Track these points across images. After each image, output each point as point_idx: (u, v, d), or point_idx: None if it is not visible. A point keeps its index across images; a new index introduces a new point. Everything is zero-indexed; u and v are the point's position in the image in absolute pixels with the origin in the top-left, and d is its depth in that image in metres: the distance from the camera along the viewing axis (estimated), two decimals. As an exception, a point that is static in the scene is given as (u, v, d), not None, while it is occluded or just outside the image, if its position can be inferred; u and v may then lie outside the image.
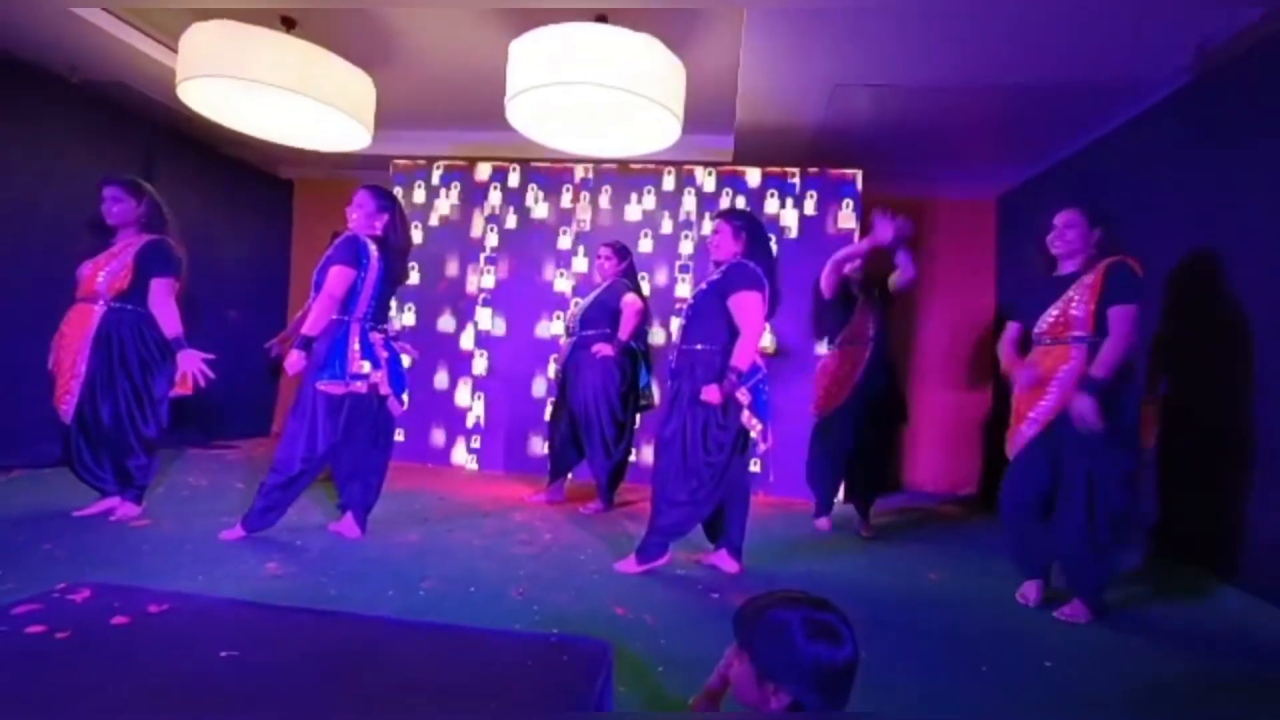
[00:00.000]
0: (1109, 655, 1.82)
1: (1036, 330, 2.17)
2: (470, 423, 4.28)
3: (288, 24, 2.97)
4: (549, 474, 3.40)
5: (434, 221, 4.36)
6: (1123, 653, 1.85)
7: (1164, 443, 2.75)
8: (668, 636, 1.74)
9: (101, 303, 2.48)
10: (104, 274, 2.48)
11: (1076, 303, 2.06)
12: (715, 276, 2.30)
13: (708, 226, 4.07)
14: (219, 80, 2.71)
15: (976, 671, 1.67)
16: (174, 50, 3.15)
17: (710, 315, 2.27)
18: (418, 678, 1.13)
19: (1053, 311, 2.11)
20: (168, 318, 2.50)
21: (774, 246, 3.96)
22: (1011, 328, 2.31)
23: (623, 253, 3.30)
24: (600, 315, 3.18)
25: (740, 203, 4.10)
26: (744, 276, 2.23)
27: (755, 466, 4.00)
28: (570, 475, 3.44)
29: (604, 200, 4.25)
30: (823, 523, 3.11)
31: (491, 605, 1.90)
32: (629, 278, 3.28)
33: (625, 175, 4.23)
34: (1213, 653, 1.89)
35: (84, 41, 3.17)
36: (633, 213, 4.22)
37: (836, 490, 3.20)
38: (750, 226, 2.32)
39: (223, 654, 1.14)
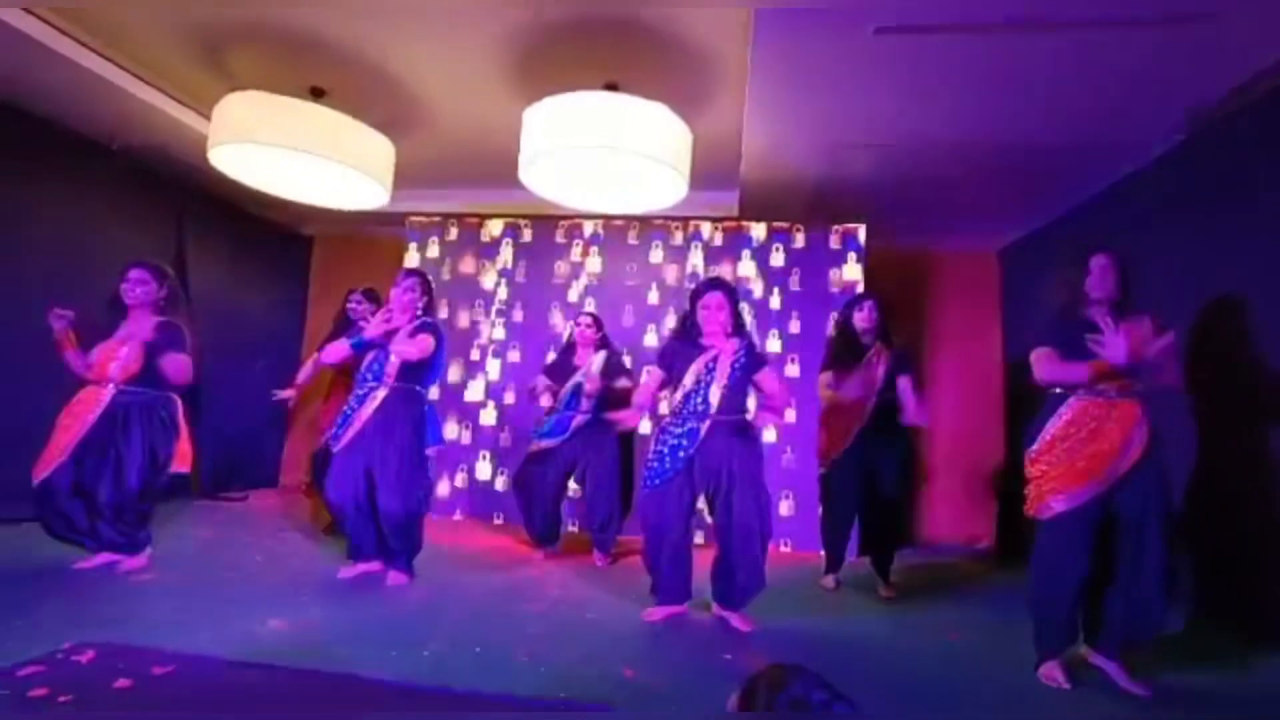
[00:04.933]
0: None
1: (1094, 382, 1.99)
2: (476, 475, 4.26)
3: (316, 93, 3.15)
4: (542, 541, 3.37)
5: (446, 275, 4.47)
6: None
7: (1195, 504, 2.69)
8: (678, 701, 1.68)
9: (112, 385, 2.56)
10: (116, 362, 2.55)
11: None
12: (742, 356, 2.38)
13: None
14: (248, 145, 2.85)
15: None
16: (206, 117, 3.33)
17: (746, 385, 2.42)
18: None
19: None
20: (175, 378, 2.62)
21: (776, 299, 4.11)
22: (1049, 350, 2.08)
23: (600, 322, 3.44)
24: (605, 398, 3.27)
25: (745, 256, 4.19)
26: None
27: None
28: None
29: (613, 255, 4.35)
30: (828, 580, 3.04)
31: (498, 667, 1.85)
32: (608, 346, 3.42)
33: (633, 231, 4.35)
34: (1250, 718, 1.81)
35: (123, 109, 3.36)
36: (640, 267, 4.31)
37: (845, 546, 3.13)
38: (737, 297, 2.49)
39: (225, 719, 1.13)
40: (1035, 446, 2.06)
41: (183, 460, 2.69)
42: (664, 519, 2.34)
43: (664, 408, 2.46)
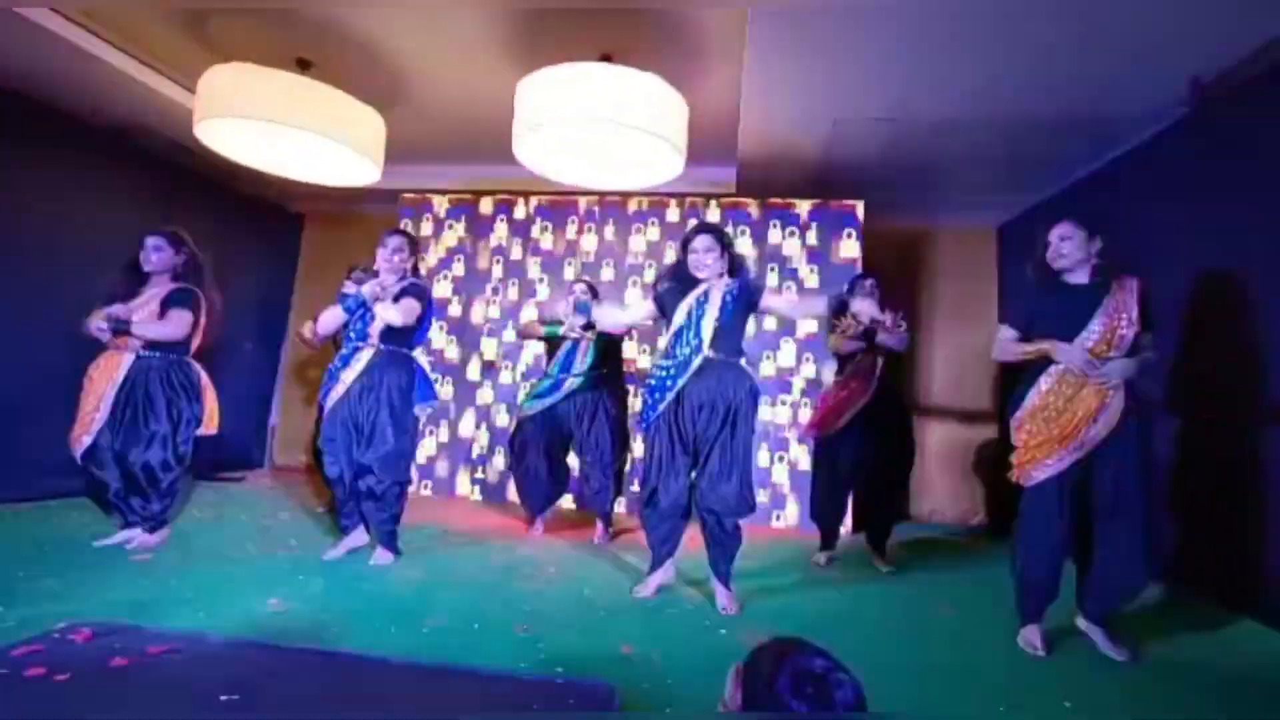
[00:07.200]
0: (1131, 695, 1.77)
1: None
2: (475, 453, 4.27)
3: (303, 65, 3.06)
4: (534, 508, 3.36)
5: (440, 253, 4.42)
6: (1145, 691, 1.79)
7: (1180, 474, 2.72)
8: (675, 675, 1.70)
9: (130, 352, 2.59)
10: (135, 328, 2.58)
11: (1125, 322, 1.97)
12: (734, 290, 2.32)
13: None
14: (235, 119, 2.78)
15: (994, 712, 1.62)
16: (190, 90, 3.24)
17: (740, 324, 2.37)
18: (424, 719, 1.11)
19: (1094, 329, 1.98)
20: (160, 327, 2.61)
21: (775, 276, 4.08)
22: (1008, 330, 2.18)
23: (596, 291, 3.38)
24: (601, 355, 3.23)
25: (743, 232, 4.16)
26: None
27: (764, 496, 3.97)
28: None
29: (608, 232, 4.30)
30: (820, 558, 3.05)
31: (495, 643, 1.87)
32: None
33: (629, 207, 4.29)
34: (1235, 689, 1.84)
35: (105, 83, 3.27)
36: (637, 244, 4.27)
37: (838, 525, 3.14)
38: (726, 238, 2.41)
39: (223, 698, 1.13)
40: (1018, 415, 2.11)
41: (210, 422, 2.75)
42: (661, 456, 2.30)
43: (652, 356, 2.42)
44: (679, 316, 2.33)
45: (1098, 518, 2.00)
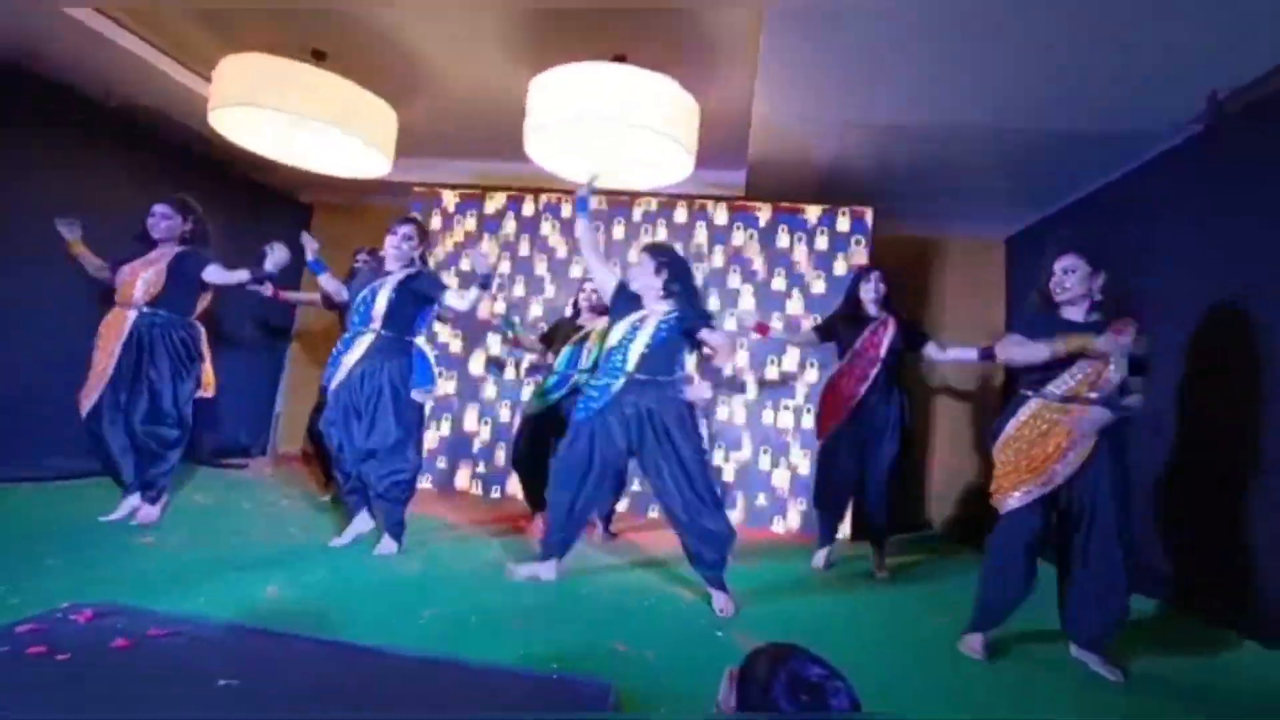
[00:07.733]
0: (1128, 712, 1.77)
1: (1054, 388, 2.00)
2: (476, 448, 4.28)
3: (317, 56, 3.08)
4: (537, 505, 3.34)
5: (449, 247, 4.43)
6: (1143, 705, 1.79)
7: (1178, 493, 2.71)
8: (670, 674, 1.70)
9: (135, 309, 2.64)
10: (140, 281, 2.65)
11: (1114, 367, 1.95)
12: (670, 322, 2.36)
13: (719, 259, 4.13)
14: (250, 109, 2.80)
15: (987, 724, 1.62)
16: (205, 78, 3.26)
17: (674, 350, 2.41)
18: (419, 716, 1.11)
19: (1081, 372, 1.97)
20: (228, 277, 2.76)
21: (782, 281, 4.07)
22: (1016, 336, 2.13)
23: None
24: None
25: (751, 235, 4.16)
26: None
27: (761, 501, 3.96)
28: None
29: (617, 231, 4.31)
30: (818, 559, 3.04)
31: (492, 636, 1.87)
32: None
33: (638, 207, 4.30)
34: (1231, 707, 1.84)
35: (120, 68, 3.30)
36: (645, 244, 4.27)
37: (839, 521, 3.12)
38: (673, 263, 2.43)
39: (221, 682, 1.14)
40: (997, 442, 2.11)
41: (207, 385, 2.80)
42: (564, 468, 2.37)
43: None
44: (612, 337, 2.41)
45: (1072, 546, 2.01)
